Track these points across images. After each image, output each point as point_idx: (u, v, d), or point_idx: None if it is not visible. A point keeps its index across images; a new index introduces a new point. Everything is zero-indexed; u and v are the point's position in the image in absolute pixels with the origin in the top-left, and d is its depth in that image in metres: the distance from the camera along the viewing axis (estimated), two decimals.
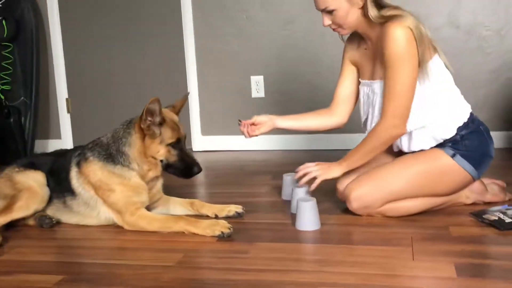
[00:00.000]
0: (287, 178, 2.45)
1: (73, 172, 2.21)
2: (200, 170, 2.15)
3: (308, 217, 2.04)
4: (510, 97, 3.37)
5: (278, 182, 2.62)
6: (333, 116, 2.32)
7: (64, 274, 1.74)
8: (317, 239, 1.94)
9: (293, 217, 2.14)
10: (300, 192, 2.21)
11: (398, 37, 1.92)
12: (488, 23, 3.33)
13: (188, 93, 2.37)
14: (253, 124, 2.30)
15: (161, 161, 2.14)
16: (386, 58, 1.97)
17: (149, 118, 2.04)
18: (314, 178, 2.12)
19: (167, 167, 2.16)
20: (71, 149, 2.37)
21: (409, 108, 2.00)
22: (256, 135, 2.31)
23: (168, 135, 2.10)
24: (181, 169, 2.14)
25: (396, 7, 2.03)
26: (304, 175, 2.14)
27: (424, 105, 2.02)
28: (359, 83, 2.24)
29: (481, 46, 3.36)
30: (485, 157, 2.09)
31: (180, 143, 2.14)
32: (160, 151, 2.11)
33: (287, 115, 2.35)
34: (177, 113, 2.21)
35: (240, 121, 2.30)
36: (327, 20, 2.08)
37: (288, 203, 2.33)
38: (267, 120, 2.29)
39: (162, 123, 2.08)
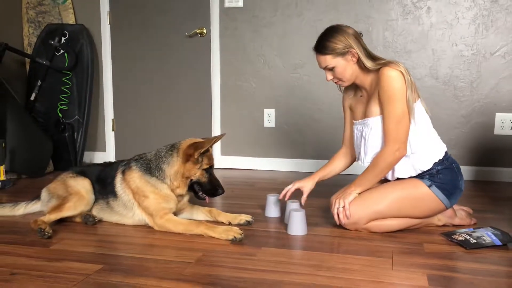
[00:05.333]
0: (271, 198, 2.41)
1: (118, 178, 2.24)
2: (223, 192, 2.18)
3: (298, 224, 2.07)
4: (478, 138, 3.36)
5: None
6: (348, 155, 2.31)
7: (103, 264, 1.75)
8: (313, 247, 1.94)
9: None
10: (293, 205, 2.24)
11: (393, 77, 1.94)
12: (462, 76, 3.35)
13: (224, 134, 2.38)
14: (297, 189, 2.27)
15: (191, 180, 2.16)
16: (382, 95, 1.98)
17: (201, 151, 2.10)
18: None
19: (193, 184, 2.18)
20: (118, 161, 2.40)
21: (407, 133, 1.99)
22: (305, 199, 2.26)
23: (205, 162, 2.15)
24: (209, 188, 2.17)
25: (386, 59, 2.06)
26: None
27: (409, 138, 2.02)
28: None
29: (456, 95, 3.37)
30: (456, 190, 2.08)
31: (211, 168, 2.18)
32: (197, 173, 2.15)
33: (321, 170, 2.31)
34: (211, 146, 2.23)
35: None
36: (329, 76, 2.10)
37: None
38: (308, 183, 2.27)
39: (205, 152, 2.13)
